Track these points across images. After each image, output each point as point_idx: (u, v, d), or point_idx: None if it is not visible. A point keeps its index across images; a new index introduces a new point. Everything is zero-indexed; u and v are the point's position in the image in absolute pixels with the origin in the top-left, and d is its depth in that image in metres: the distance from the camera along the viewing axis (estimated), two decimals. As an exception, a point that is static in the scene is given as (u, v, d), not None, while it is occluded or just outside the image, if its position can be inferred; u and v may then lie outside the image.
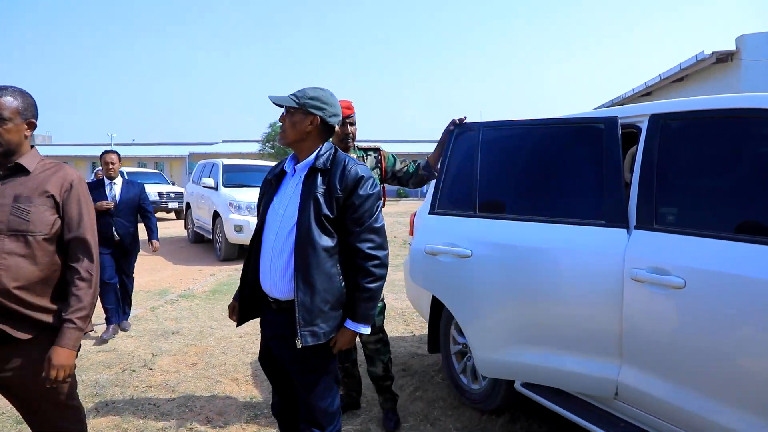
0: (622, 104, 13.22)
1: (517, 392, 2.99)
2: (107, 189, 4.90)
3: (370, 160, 3.19)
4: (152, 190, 15.71)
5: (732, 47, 9.14)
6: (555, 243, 2.49)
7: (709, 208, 2.10)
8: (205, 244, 11.38)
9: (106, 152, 4.90)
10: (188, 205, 11.97)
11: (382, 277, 2.02)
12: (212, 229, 9.82)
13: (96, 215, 4.27)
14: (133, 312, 5.57)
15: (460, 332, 3.49)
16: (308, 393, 2.02)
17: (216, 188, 9.83)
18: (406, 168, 3.26)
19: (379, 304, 3.05)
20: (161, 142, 44.68)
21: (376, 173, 3.14)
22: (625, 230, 2.30)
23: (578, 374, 2.45)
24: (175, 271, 8.38)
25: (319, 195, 1.93)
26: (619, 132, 2.46)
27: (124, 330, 4.98)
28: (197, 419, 3.20)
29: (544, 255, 2.52)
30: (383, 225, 2.06)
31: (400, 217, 17.36)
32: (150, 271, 8.09)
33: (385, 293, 6.65)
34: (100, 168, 16.62)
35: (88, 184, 4.42)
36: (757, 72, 8.79)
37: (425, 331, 4.94)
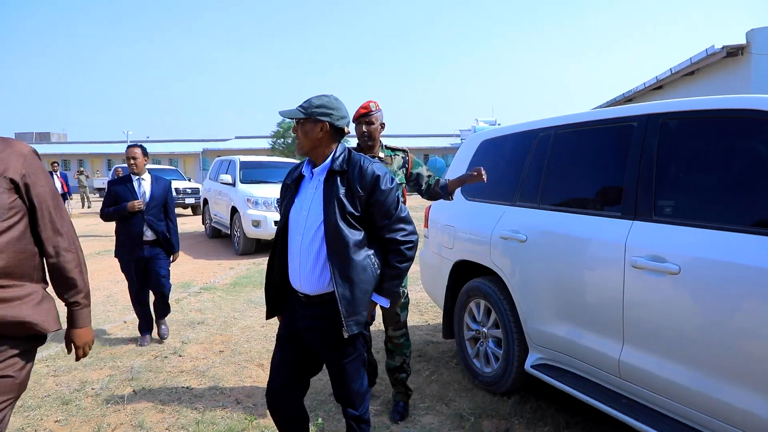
0: (633, 98, 13.29)
1: (527, 375, 3.21)
2: (136, 186, 4.52)
3: (398, 160, 3.27)
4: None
5: (743, 41, 9.19)
6: (575, 231, 2.77)
7: (703, 200, 2.28)
8: (223, 239, 11.66)
9: (129, 146, 4.59)
10: (206, 201, 12.26)
11: (412, 259, 2.22)
12: (230, 224, 10.09)
13: (126, 216, 4.48)
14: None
15: (474, 319, 3.70)
16: (344, 377, 2.23)
17: (233, 184, 10.09)
18: (428, 179, 3.29)
19: (404, 300, 3.21)
20: (175, 138, 45.22)
21: (402, 173, 3.24)
22: (630, 221, 2.49)
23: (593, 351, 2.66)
24: (195, 264, 8.66)
25: (341, 196, 2.09)
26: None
27: (162, 338, 4.70)
28: (227, 401, 3.44)
29: (566, 241, 2.81)
30: (408, 213, 2.25)
31: (412, 211, 17.49)
32: (172, 265, 8.36)
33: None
34: (118, 165, 16.93)
35: (113, 180, 4.58)
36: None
37: (439, 320, 5.16)
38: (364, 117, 3.09)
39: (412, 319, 5.33)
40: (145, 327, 4.65)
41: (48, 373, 3.88)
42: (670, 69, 11.16)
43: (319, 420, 3.12)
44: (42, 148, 44.64)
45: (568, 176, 3.03)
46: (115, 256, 4.58)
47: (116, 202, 4.45)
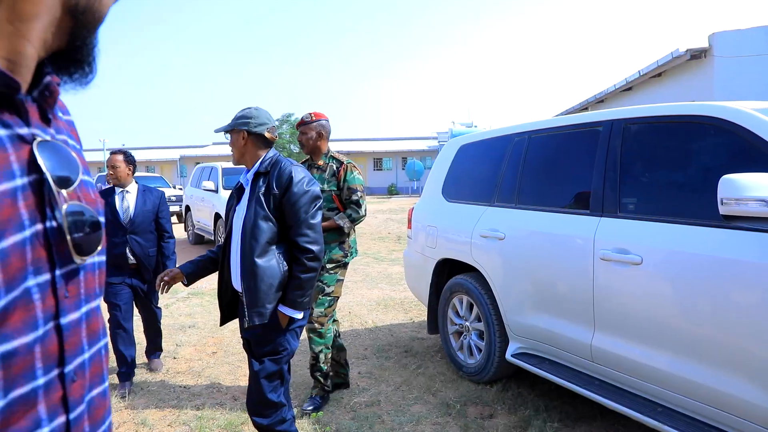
0: (604, 99, 13.72)
1: (508, 364, 3.43)
2: (118, 200, 3.76)
3: (330, 168, 3.38)
4: None
5: (706, 44, 9.64)
6: (549, 228, 3.01)
7: (662, 197, 2.53)
8: (206, 244, 11.72)
9: (111, 153, 3.85)
10: (188, 208, 12.30)
11: (313, 270, 2.27)
12: (214, 230, 10.17)
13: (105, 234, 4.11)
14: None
15: (457, 314, 3.92)
16: (256, 382, 2.29)
17: (216, 191, 10.18)
18: (348, 198, 3.35)
19: (324, 298, 3.29)
20: (152, 146, 44.80)
21: (334, 180, 3.35)
22: (598, 217, 2.73)
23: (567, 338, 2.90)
24: (180, 271, 8.74)
25: (261, 195, 2.25)
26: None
27: (154, 370, 4.06)
28: (225, 398, 3.59)
29: (541, 238, 3.06)
30: (319, 222, 2.32)
31: (392, 213, 17.76)
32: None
33: (383, 286, 7.07)
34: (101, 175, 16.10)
35: None
36: (729, 68, 9.29)
37: (424, 318, 5.37)
38: (300, 127, 3.39)
39: (397, 317, 5.53)
40: (125, 372, 3.74)
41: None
42: (639, 71, 11.60)
43: (320, 413, 3.30)
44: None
45: (542, 177, 3.27)
46: None
47: None
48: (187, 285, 2.51)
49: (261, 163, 2.33)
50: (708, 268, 2.17)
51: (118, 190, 3.82)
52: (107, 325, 3.69)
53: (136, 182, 3.94)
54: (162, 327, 5.12)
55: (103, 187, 3.99)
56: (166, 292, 2.49)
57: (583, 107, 15.70)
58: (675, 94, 10.63)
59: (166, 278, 2.43)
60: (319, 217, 2.34)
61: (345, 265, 3.43)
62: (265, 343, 2.31)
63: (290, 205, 2.24)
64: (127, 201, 3.80)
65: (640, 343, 2.46)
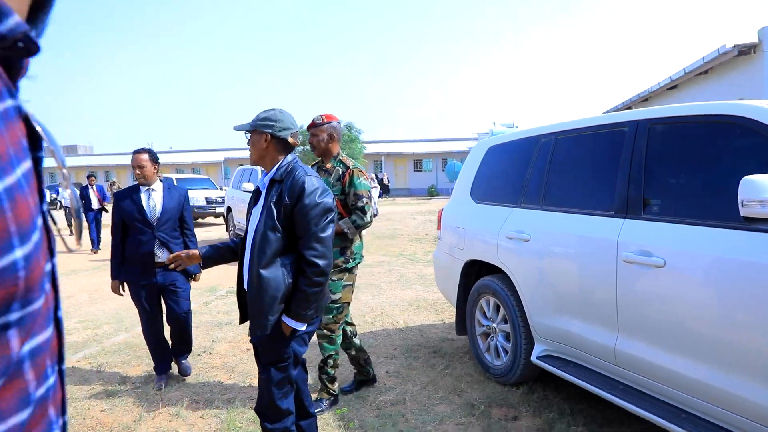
0: (648, 98, 13.33)
1: (534, 367, 3.42)
2: (144, 199, 3.75)
3: (336, 173, 3.35)
4: (200, 196, 15.94)
5: (755, 39, 9.24)
6: (573, 230, 3.00)
7: (687, 198, 2.48)
8: (246, 245, 12.01)
9: (135, 152, 3.79)
10: (229, 209, 12.63)
11: (319, 284, 2.20)
12: (253, 230, 10.41)
13: (131, 233, 3.74)
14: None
15: (484, 315, 3.92)
16: (263, 385, 2.30)
17: (255, 192, 10.42)
18: (354, 203, 3.30)
19: (332, 305, 3.28)
20: (197, 148, 46.15)
21: (339, 185, 3.31)
22: (622, 219, 2.70)
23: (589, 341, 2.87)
24: (221, 269, 8.94)
25: (272, 204, 2.20)
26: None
27: (185, 375, 4.01)
28: (255, 393, 3.67)
29: (565, 239, 3.05)
30: (329, 235, 2.24)
31: (431, 215, 17.75)
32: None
33: (417, 287, 7.10)
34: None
35: (119, 193, 3.88)
36: (780, 63, 8.88)
37: (454, 319, 5.38)
38: (311, 129, 3.35)
39: (428, 318, 5.55)
40: (162, 366, 3.92)
41: (92, 370, 4.21)
42: (684, 69, 11.21)
43: (344, 409, 3.37)
44: (69, 161, 46.21)
45: (567, 178, 3.25)
46: (116, 278, 3.81)
47: (122, 220, 3.77)
48: (202, 268, 2.53)
49: (277, 170, 2.29)
50: (732, 272, 2.12)
51: (143, 188, 3.79)
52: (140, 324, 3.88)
53: (161, 180, 3.93)
54: (200, 324, 5.34)
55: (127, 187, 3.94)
56: (180, 269, 2.53)
57: (627, 106, 15.28)
58: (722, 92, 10.23)
59: (183, 254, 2.47)
60: (330, 231, 2.26)
61: (349, 270, 3.37)
62: (269, 352, 2.30)
63: (301, 217, 2.19)
64: (154, 199, 3.79)
65: (663, 347, 2.41)
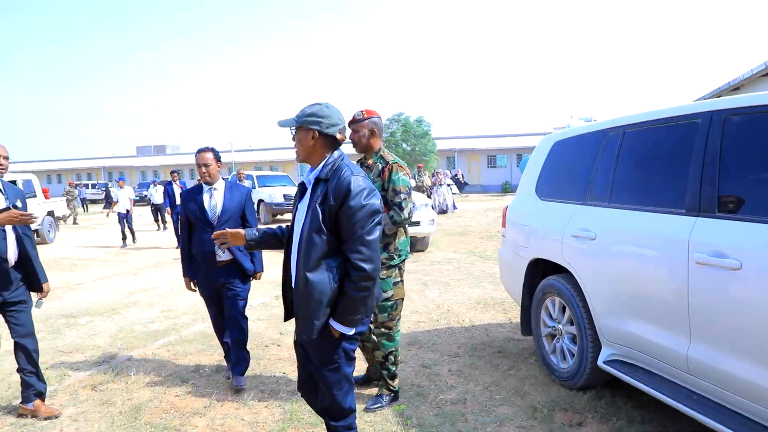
0: (740, 87, 12.35)
1: (601, 372, 3.27)
2: (206, 198, 3.74)
3: (377, 168, 3.32)
4: (277, 193, 16.35)
5: None
6: (641, 228, 2.85)
7: (765, 195, 2.27)
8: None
9: (199, 151, 3.75)
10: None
11: (366, 289, 2.10)
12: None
13: (195, 231, 3.78)
14: (260, 300, 6.39)
15: (550, 316, 3.79)
16: (323, 386, 2.28)
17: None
18: (392, 199, 3.25)
19: (385, 303, 3.28)
20: (275, 147, 47.82)
21: (379, 181, 3.29)
22: (694, 217, 2.52)
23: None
24: (293, 265, 9.29)
25: (317, 205, 2.11)
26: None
27: (238, 389, 3.70)
28: (319, 386, 3.80)
29: (633, 238, 2.92)
30: (376, 238, 2.12)
31: (484, 214, 17.35)
32: (268, 265, 9.04)
33: (485, 285, 6.98)
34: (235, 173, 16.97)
35: (185, 192, 3.88)
36: None
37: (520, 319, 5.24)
38: (352, 125, 3.30)
39: (496, 317, 5.45)
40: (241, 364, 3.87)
41: (169, 357, 4.48)
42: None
43: (403, 405, 3.38)
44: (159, 160, 49.79)
45: (636, 174, 3.07)
46: (186, 275, 3.90)
47: (187, 219, 3.80)
48: (246, 250, 2.49)
49: (323, 168, 2.19)
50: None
51: (206, 188, 3.77)
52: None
53: (223, 179, 3.89)
54: (271, 317, 5.53)
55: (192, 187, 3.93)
56: (224, 247, 2.52)
57: (716, 95, 14.19)
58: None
59: (228, 233, 2.48)
60: (377, 233, 2.14)
61: (396, 267, 3.34)
62: (318, 354, 2.26)
63: (346, 219, 2.08)
64: (215, 198, 3.76)
65: (741, 357, 2.23)
